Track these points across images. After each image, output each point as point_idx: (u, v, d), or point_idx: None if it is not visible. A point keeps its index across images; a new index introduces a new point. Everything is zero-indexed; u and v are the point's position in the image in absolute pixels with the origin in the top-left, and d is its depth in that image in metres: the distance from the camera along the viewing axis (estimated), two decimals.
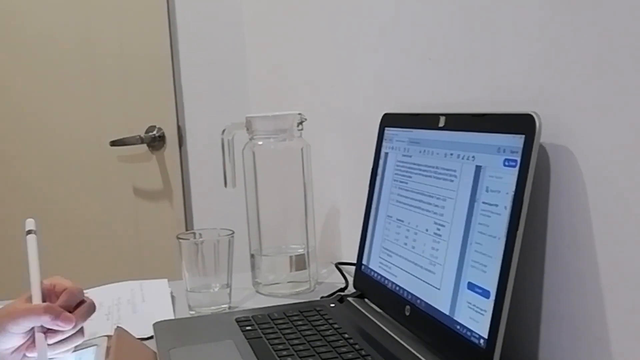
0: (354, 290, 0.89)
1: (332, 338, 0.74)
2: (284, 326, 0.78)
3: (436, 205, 0.71)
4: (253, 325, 0.79)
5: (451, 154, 0.69)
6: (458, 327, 0.63)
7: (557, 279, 0.60)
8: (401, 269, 0.77)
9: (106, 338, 0.74)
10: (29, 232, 0.80)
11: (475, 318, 0.61)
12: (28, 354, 0.70)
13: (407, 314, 0.73)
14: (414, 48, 0.86)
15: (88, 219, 1.86)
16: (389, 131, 0.86)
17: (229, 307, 0.93)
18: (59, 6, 1.80)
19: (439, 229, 0.70)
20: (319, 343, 0.73)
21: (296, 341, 0.73)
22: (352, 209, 1.10)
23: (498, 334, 0.57)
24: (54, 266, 1.99)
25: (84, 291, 0.75)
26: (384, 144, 0.86)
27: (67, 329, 0.69)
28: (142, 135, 1.75)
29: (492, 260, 0.60)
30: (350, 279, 1.01)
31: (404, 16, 0.88)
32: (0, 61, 1.85)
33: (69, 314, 0.70)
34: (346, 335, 0.75)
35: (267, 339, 0.74)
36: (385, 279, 0.81)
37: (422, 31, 0.84)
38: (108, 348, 0.73)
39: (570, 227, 0.58)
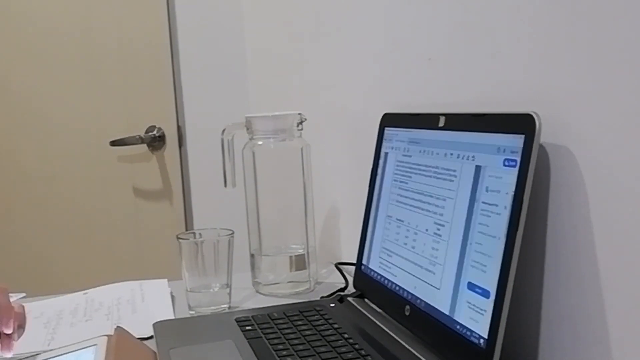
0: (354, 290, 0.89)
1: (332, 338, 0.74)
2: (284, 326, 0.78)
3: (436, 205, 0.71)
4: (253, 325, 0.79)
5: (451, 154, 0.69)
6: (458, 327, 0.63)
7: (557, 279, 0.60)
8: (401, 269, 0.77)
9: (106, 338, 0.74)
10: None
11: (475, 318, 0.61)
12: None
13: (407, 314, 0.73)
14: (413, 48, 0.86)
15: (88, 219, 1.86)
16: (389, 131, 0.86)
17: (229, 307, 0.93)
18: (58, 6, 1.80)
19: (439, 229, 0.70)
20: (319, 343, 0.73)
21: (296, 341, 0.74)
22: (352, 209, 1.10)
23: (498, 334, 0.58)
24: (54, 266, 1.99)
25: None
26: (384, 144, 0.86)
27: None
28: (142, 135, 1.75)
29: (492, 260, 0.60)
30: (350, 279, 1.01)
31: (404, 16, 0.88)
32: (1, 62, 1.85)
33: None
34: (346, 335, 0.75)
35: (267, 339, 0.75)
36: (385, 278, 0.81)
37: (422, 31, 0.84)
38: (108, 348, 0.73)
39: (570, 227, 0.58)
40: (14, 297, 0.72)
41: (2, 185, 1.91)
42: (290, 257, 1.00)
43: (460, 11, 0.74)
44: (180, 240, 0.90)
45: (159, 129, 1.76)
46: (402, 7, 0.88)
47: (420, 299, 0.71)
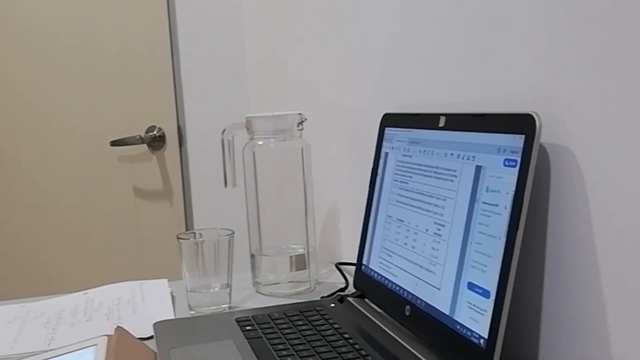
0: (354, 290, 0.89)
1: (332, 338, 0.74)
2: (284, 326, 0.78)
3: (436, 205, 0.71)
4: (253, 325, 0.79)
5: (451, 154, 0.69)
6: (458, 327, 0.63)
7: (557, 279, 0.60)
8: (401, 269, 0.77)
9: (106, 338, 0.74)
10: None
11: (475, 318, 0.61)
12: None
13: (407, 314, 0.73)
14: (414, 48, 0.86)
15: (88, 219, 1.86)
16: (389, 131, 0.86)
17: (229, 307, 0.93)
18: (59, 7, 1.80)
19: (439, 229, 0.70)
20: (319, 343, 0.73)
21: (296, 341, 0.74)
22: (352, 209, 1.10)
23: (498, 334, 0.58)
24: (54, 266, 1.99)
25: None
26: (384, 144, 0.86)
27: None
28: (142, 135, 1.76)
29: (492, 260, 0.60)
30: (350, 279, 1.01)
31: (404, 16, 0.88)
32: (1, 62, 1.85)
33: None
34: (346, 335, 0.75)
35: (267, 339, 0.75)
36: (385, 278, 0.81)
37: (422, 31, 0.84)
38: (108, 348, 0.73)
39: (570, 227, 0.58)
40: None
41: (3, 185, 1.91)
42: (291, 257, 1.00)
43: (460, 11, 0.74)
44: (181, 240, 0.90)
45: (159, 129, 1.76)
46: (402, 7, 0.88)
47: (421, 299, 0.71)
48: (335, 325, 0.78)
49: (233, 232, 0.92)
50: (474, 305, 0.61)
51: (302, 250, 1.01)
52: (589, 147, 0.55)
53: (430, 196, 0.72)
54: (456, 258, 0.66)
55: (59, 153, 1.86)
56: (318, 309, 0.84)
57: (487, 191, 0.63)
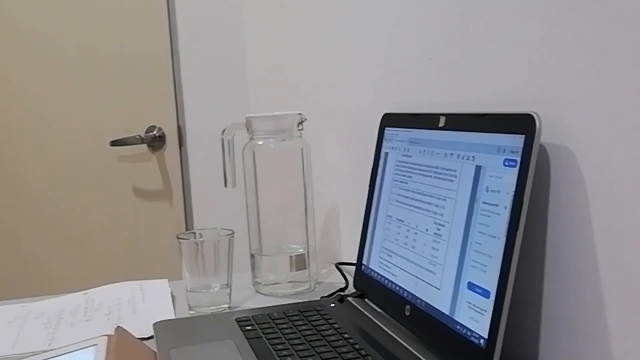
0: (354, 290, 0.90)
1: (332, 338, 0.74)
2: (284, 326, 0.78)
3: (436, 205, 0.71)
4: (253, 325, 0.79)
5: (451, 154, 0.69)
6: (458, 327, 0.63)
7: (557, 279, 0.60)
8: (401, 268, 0.77)
9: (106, 338, 0.74)
10: None
11: (475, 318, 0.61)
12: None
13: (407, 314, 0.73)
14: (414, 48, 0.86)
15: (88, 219, 1.86)
16: (389, 131, 0.86)
17: (229, 307, 0.93)
18: (59, 6, 1.80)
19: (439, 229, 0.70)
20: (319, 343, 0.73)
21: (296, 341, 0.74)
22: (352, 209, 1.10)
23: (498, 334, 0.58)
24: (54, 267, 1.99)
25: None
26: (384, 144, 0.86)
27: None
28: (142, 135, 1.76)
29: (492, 260, 0.60)
30: (350, 279, 1.01)
31: (404, 16, 0.88)
32: (0, 61, 1.85)
33: None
34: (346, 335, 0.75)
35: (267, 339, 0.75)
36: (385, 278, 0.81)
37: (422, 31, 0.84)
38: (108, 348, 0.73)
39: (570, 227, 0.58)
40: None
41: (3, 185, 1.91)
42: (291, 257, 1.00)
43: (460, 11, 0.74)
44: (181, 240, 0.90)
45: (159, 129, 1.76)
46: (403, 6, 0.88)
47: (421, 299, 0.71)
48: (335, 325, 0.78)
49: (233, 232, 0.92)
50: (474, 305, 0.61)
51: (302, 250, 1.01)
52: (589, 147, 0.55)
53: (430, 196, 0.72)
54: (456, 258, 0.66)
55: (59, 153, 1.86)
56: (318, 309, 0.84)
57: (487, 191, 0.63)
